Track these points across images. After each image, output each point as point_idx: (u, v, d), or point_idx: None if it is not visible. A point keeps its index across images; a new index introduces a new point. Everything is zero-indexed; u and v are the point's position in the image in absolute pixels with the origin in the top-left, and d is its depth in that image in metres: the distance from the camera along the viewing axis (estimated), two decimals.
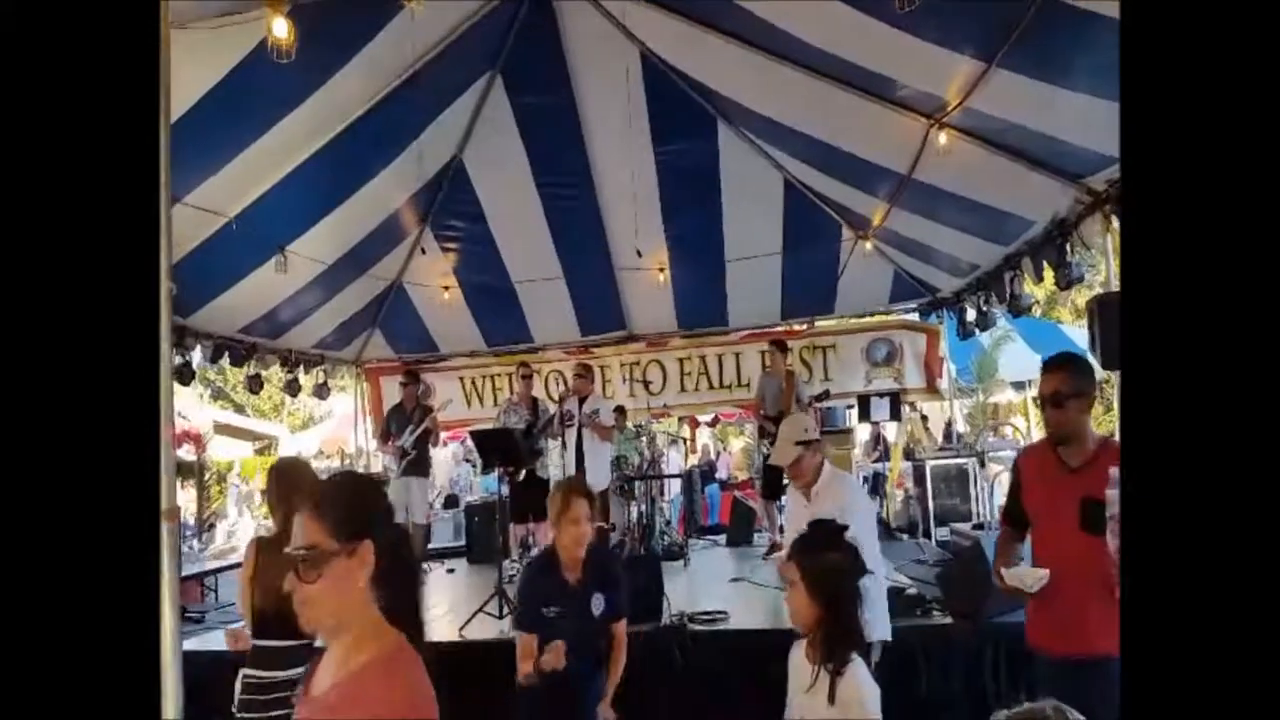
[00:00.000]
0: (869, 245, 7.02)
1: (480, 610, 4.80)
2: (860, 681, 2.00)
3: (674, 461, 11.42)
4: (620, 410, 7.87)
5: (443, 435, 8.94)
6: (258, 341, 7.13)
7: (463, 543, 8.48)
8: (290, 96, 4.64)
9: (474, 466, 11.30)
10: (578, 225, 7.05)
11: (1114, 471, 2.13)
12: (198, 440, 12.32)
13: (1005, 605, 3.68)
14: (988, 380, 11.10)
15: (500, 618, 4.77)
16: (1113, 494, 2.13)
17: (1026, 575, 2.47)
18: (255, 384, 7.54)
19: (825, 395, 7.38)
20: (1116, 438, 2.83)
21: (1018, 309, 6.01)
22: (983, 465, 7.74)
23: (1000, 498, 4.87)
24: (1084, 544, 2.27)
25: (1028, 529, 2.65)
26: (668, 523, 8.03)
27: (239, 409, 17.36)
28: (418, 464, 7.00)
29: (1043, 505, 2.59)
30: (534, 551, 6.11)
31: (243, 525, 12.64)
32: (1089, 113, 3.52)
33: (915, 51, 3.88)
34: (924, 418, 10.94)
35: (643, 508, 7.21)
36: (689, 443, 13.77)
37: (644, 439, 7.93)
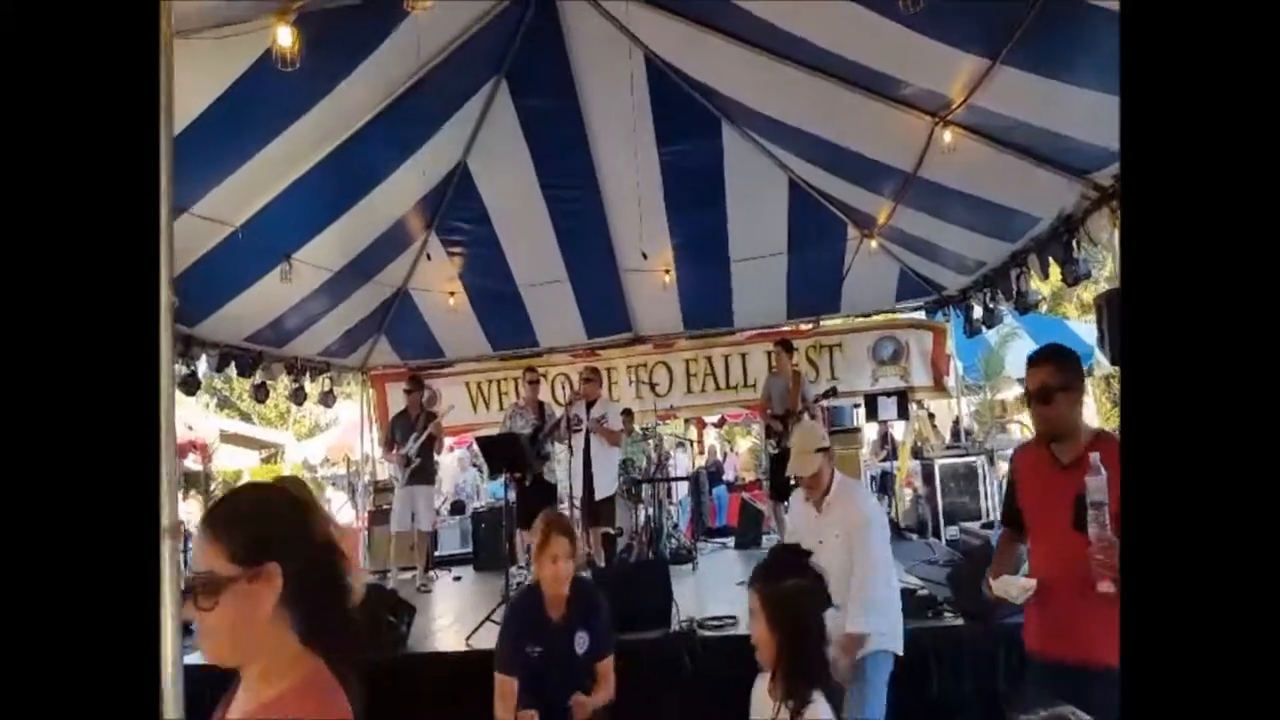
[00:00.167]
0: (874, 244, 6.99)
1: (487, 619, 4.76)
2: None
3: (681, 464, 11.40)
4: (628, 413, 7.85)
5: (449, 441, 8.93)
6: (263, 350, 7.14)
7: (469, 550, 8.46)
8: (295, 105, 4.64)
9: (481, 472, 11.26)
10: (583, 228, 7.04)
11: (1094, 457, 2.06)
12: (204, 450, 12.31)
13: (1017, 606, 3.64)
14: (995, 377, 11.04)
15: None
16: (1092, 482, 2.06)
17: (1011, 586, 2.40)
18: (261, 392, 7.56)
19: (832, 392, 7.34)
20: (1111, 431, 2.77)
21: (1024, 305, 5.98)
22: (992, 463, 7.68)
23: None
24: (1078, 543, 2.18)
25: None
26: (675, 526, 8.01)
27: (245, 417, 17.38)
28: (422, 472, 6.99)
29: (1036, 504, 2.50)
30: None
31: None
32: (1094, 108, 3.50)
33: (919, 50, 3.87)
34: (931, 416, 10.87)
35: (650, 511, 7.19)
36: (695, 444, 13.74)
37: (651, 442, 7.91)
